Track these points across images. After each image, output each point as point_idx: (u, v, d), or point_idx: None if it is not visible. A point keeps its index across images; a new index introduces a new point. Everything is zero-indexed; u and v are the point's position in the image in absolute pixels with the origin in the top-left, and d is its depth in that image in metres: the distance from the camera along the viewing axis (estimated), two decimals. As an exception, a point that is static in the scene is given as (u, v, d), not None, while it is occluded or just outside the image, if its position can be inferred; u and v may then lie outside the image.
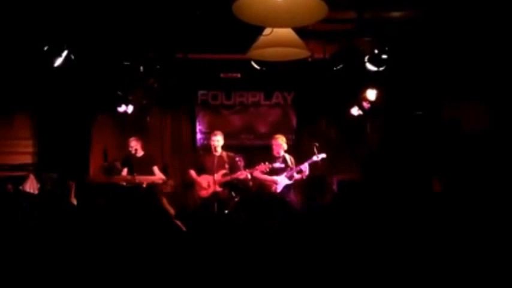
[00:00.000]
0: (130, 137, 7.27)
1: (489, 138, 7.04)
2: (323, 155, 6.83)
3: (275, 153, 6.87)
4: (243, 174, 6.71)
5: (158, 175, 7.12)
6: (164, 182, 7.17)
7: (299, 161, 6.92)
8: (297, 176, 6.75)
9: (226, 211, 6.31)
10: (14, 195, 6.20)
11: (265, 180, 6.80)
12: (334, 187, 8.09)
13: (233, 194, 6.81)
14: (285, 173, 6.75)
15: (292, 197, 6.81)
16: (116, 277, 2.63)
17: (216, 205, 6.52)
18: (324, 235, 2.95)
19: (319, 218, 3.26)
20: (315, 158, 6.78)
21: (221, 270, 2.64)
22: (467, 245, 2.84)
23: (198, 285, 2.61)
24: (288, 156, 6.87)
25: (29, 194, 6.64)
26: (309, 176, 6.88)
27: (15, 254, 2.77)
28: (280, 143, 6.83)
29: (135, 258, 2.74)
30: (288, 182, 6.75)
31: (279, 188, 6.75)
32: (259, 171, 6.72)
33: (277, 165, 6.79)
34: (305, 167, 6.68)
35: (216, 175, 6.66)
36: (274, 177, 6.76)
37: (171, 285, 2.63)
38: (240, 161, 7.78)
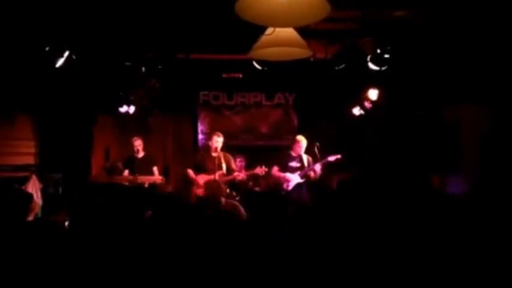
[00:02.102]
0: (133, 136, 7.28)
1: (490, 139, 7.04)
2: (338, 156, 6.88)
3: (294, 153, 6.90)
4: (240, 175, 6.77)
5: (156, 175, 7.14)
6: (165, 182, 7.18)
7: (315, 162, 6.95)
8: (311, 175, 6.79)
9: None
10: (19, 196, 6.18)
11: (278, 177, 6.86)
12: (335, 187, 8.08)
13: (233, 193, 6.87)
14: (298, 172, 6.80)
15: (303, 195, 6.83)
16: (117, 276, 2.63)
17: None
18: (324, 234, 2.95)
19: (319, 217, 3.26)
20: (330, 159, 6.85)
21: (221, 268, 2.64)
22: (468, 246, 2.84)
23: (198, 284, 2.61)
24: (305, 157, 6.91)
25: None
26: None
27: (18, 254, 2.77)
28: (303, 145, 6.87)
29: (136, 257, 2.74)
30: (300, 180, 6.80)
31: (290, 186, 6.80)
32: (276, 169, 6.80)
33: (294, 164, 6.84)
34: (318, 167, 6.73)
35: (214, 175, 6.72)
36: (287, 175, 6.80)
37: (172, 284, 2.63)
38: (241, 161, 7.81)
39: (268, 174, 6.93)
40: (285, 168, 6.85)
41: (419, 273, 2.59)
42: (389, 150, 8.25)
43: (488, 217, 3.42)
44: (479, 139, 7.24)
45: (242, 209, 4.97)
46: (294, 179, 6.80)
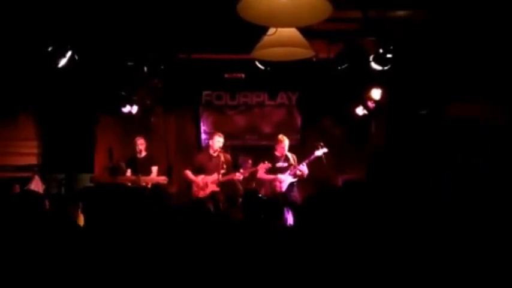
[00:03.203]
0: (136, 136, 7.29)
1: (494, 136, 7.02)
2: (324, 150, 6.89)
3: (278, 153, 6.93)
4: (237, 175, 6.77)
5: (154, 175, 7.14)
6: (169, 183, 7.18)
7: (303, 159, 6.97)
8: (298, 174, 6.83)
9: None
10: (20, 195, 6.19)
11: (269, 180, 6.85)
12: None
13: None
14: (288, 171, 6.81)
15: (297, 194, 6.86)
16: (117, 276, 2.63)
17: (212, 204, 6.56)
18: (327, 234, 2.93)
19: (322, 217, 3.24)
20: (317, 153, 6.86)
21: (218, 270, 2.64)
22: (472, 245, 2.82)
23: (199, 284, 2.60)
24: (290, 155, 6.95)
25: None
26: (312, 175, 6.95)
27: (20, 254, 2.77)
28: (286, 144, 6.90)
29: (136, 257, 2.74)
30: (292, 179, 6.80)
31: (284, 187, 6.80)
32: (262, 171, 6.79)
33: (280, 164, 6.87)
34: (304, 165, 6.77)
35: (213, 175, 6.73)
36: (279, 176, 6.81)
37: (171, 285, 2.63)
38: (248, 162, 7.82)
39: (254, 177, 6.95)
40: (273, 170, 6.86)
41: (422, 274, 2.57)
42: (394, 150, 8.23)
43: (490, 217, 3.41)
44: (480, 137, 7.23)
45: None
46: (286, 179, 6.81)
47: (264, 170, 6.80)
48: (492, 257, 2.66)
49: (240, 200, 5.09)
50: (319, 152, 6.90)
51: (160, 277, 2.63)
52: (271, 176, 6.86)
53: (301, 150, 7.62)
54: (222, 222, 3.35)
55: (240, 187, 6.93)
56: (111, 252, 2.83)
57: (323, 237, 2.88)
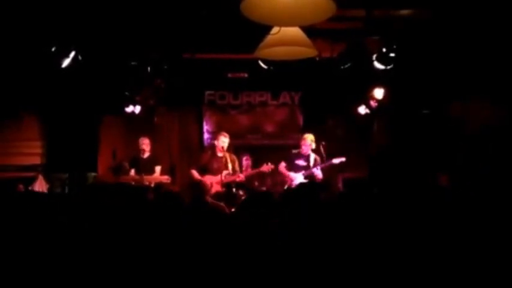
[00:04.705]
0: (141, 136, 7.30)
1: (496, 136, 7.02)
2: (342, 159, 6.86)
3: (303, 151, 6.90)
4: (239, 177, 6.77)
5: (157, 174, 7.15)
6: (171, 182, 7.19)
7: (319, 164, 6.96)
8: (315, 177, 6.80)
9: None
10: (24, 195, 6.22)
11: (284, 176, 6.86)
12: (340, 185, 8.07)
13: (240, 192, 6.85)
14: (303, 171, 6.80)
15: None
16: (120, 275, 2.64)
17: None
18: (328, 233, 2.94)
19: (324, 216, 3.25)
20: (334, 161, 6.83)
21: (223, 269, 2.64)
22: (472, 244, 2.83)
23: (199, 283, 2.61)
24: (313, 156, 6.88)
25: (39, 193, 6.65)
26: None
27: (22, 254, 2.79)
28: (309, 143, 6.87)
29: (139, 256, 2.75)
30: (303, 180, 6.78)
31: (293, 185, 6.80)
32: (282, 166, 6.80)
33: (300, 162, 6.85)
34: (318, 170, 6.74)
35: (217, 175, 6.72)
36: (292, 174, 6.80)
37: (174, 284, 2.63)
38: (247, 159, 7.82)
39: (275, 170, 6.95)
40: (292, 166, 6.86)
41: (425, 273, 2.58)
42: (396, 149, 8.23)
43: (490, 216, 3.41)
44: (481, 137, 7.23)
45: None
46: (298, 178, 6.79)
47: (267, 170, 6.82)
48: (492, 256, 2.66)
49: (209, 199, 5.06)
50: (336, 161, 6.86)
51: (160, 276, 2.64)
52: (286, 173, 6.87)
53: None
54: (226, 223, 3.36)
55: (208, 188, 6.86)
56: (114, 250, 2.84)
57: (324, 236, 2.89)
